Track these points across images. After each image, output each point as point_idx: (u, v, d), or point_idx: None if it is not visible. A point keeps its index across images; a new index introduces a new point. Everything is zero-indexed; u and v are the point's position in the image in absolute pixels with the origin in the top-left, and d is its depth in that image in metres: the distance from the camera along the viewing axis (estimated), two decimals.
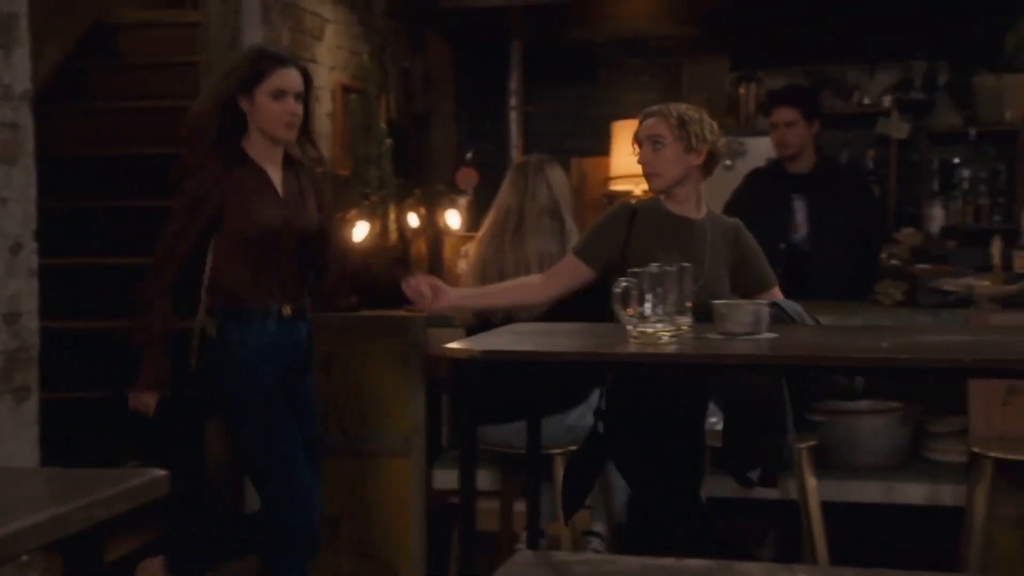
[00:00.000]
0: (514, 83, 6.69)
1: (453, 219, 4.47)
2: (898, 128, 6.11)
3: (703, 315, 2.86)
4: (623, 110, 6.75)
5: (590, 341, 2.00)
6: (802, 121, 4.43)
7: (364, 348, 4.19)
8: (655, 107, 3.07)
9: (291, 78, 2.98)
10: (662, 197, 3.09)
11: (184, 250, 2.96)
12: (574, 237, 3.65)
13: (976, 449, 3.44)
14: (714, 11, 6.20)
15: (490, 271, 3.62)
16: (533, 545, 2.73)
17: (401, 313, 4.31)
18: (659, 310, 1.97)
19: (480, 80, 6.91)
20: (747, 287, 3.11)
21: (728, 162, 5.88)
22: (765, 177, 4.69)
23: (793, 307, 2.91)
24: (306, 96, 3.04)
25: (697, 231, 3.06)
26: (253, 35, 3.97)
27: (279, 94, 2.97)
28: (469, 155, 5.70)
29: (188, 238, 2.95)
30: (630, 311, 1.98)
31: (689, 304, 2.14)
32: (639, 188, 6.55)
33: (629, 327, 1.99)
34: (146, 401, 3.03)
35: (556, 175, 3.77)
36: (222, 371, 3.02)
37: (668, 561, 2.22)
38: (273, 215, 3.00)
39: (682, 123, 3.00)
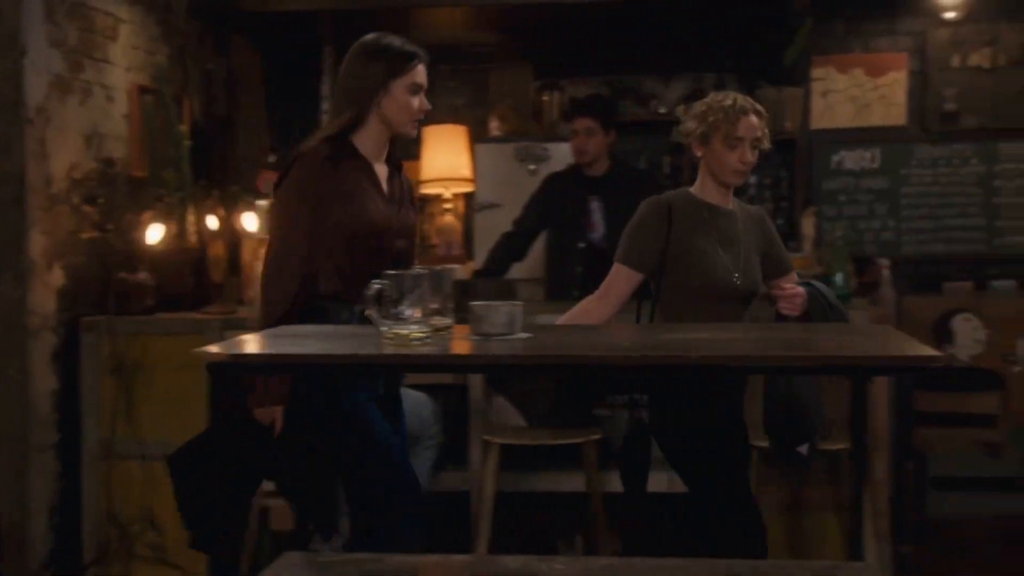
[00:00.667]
0: (325, 88, 6.60)
1: (250, 222, 4.36)
2: None
3: (748, 301, 3.01)
4: (433, 115, 6.75)
5: (349, 344, 1.97)
6: (600, 130, 4.58)
7: (160, 350, 4.07)
8: (749, 104, 3.06)
9: (425, 73, 2.92)
10: (695, 189, 3.09)
11: (302, 245, 2.74)
12: None
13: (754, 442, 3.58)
14: (519, 21, 6.27)
15: None
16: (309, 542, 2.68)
17: (197, 316, 4.20)
18: (415, 312, 1.95)
19: (291, 85, 6.79)
20: (769, 272, 3.12)
21: (532, 166, 5.97)
22: (563, 180, 4.79)
23: (824, 288, 3.02)
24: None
25: (731, 219, 3.08)
26: (35, 33, 3.78)
27: (416, 89, 2.86)
28: (271, 159, 5.58)
29: (303, 232, 2.74)
30: (385, 313, 1.96)
31: (451, 305, 2.14)
32: (448, 191, 6.58)
33: (383, 328, 1.97)
34: (273, 415, 2.75)
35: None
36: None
37: (435, 558, 2.22)
38: (379, 213, 2.83)
39: (766, 124, 3.09)
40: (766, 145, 3.06)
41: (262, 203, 4.62)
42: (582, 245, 4.67)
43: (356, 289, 2.68)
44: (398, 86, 2.82)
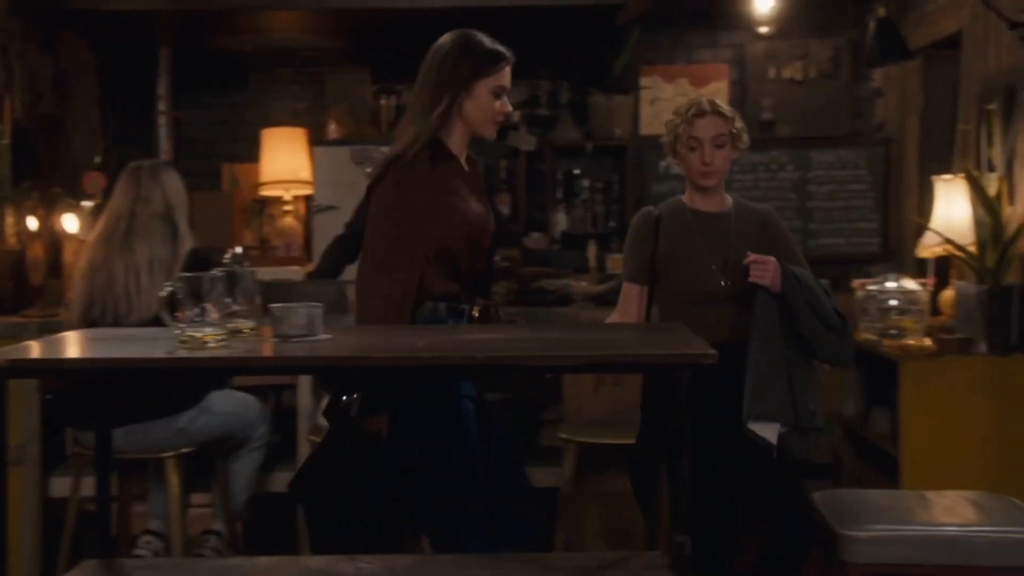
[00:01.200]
0: (162, 88, 6.44)
1: (71, 223, 4.22)
2: (526, 141, 6.39)
3: (734, 301, 2.94)
4: (272, 117, 6.68)
5: (140, 347, 1.93)
6: None
7: None
8: (706, 106, 3.01)
9: (509, 76, 2.77)
10: (685, 197, 3.09)
11: (408, 247, 2.59)
12: (187, 243, 3.55)
13: (564, 435, 3.65)
14: (357, 26, 6.23)
15: (99, 276, 3.46)
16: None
17: (15, 319, 4.04)
18: (212, 314, 1.93)
19: (127, 85, 6.59)
20: None
21: (369, 169, 5.93)
22: None
23: (802, 273, 2.94)
24: None
25: (721, 222, 3.05)
26: None
27: (500, 91, 2.73)
28: (98, 159, 5.41)
29: (408, 235, 2.60)
30: (179, 315, 1.93)
31: (257, 306, 2.12)
32: (288, 193, 6.50)
33: (177, 331, 1.94)
34: (379, 424, 2.60)
35: (171, 181, 3.67)
36: None
37: (237, 560, 2.19)
38: (477, 212, 2.73)
39: (736, 124, 3.03)
40: (741, 143, 3.03)
41: (87, 204, 4.48)
42: None
43: (464, 289, 2.69)
44: (482, 87, 2.70)
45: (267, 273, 6.15)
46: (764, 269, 2.84)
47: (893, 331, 4.01)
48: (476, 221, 2.69)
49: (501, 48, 2.76)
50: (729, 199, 3.12)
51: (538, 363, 1.77)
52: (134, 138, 6.64)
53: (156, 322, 3.37)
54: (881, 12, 4.18)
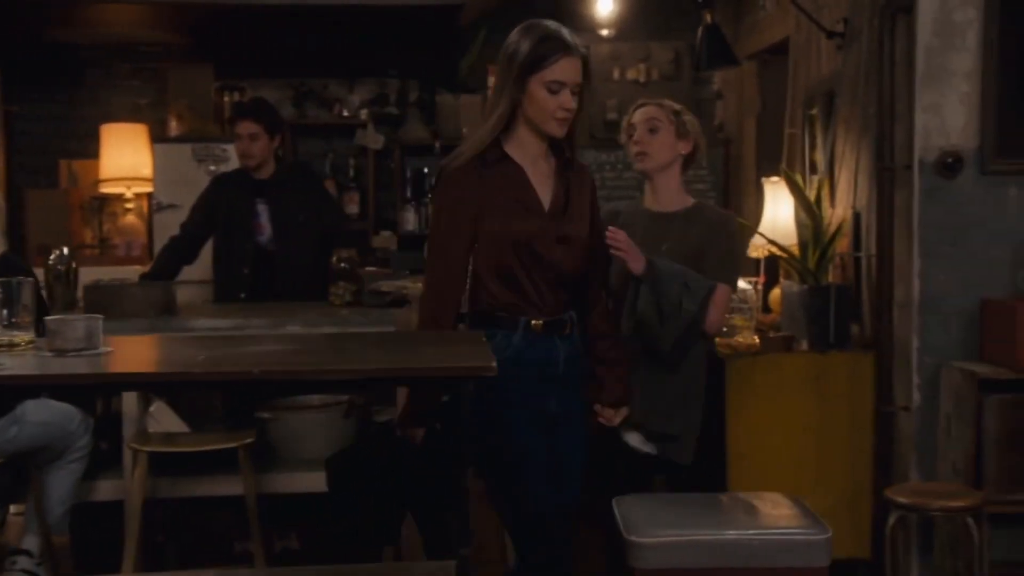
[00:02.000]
0: None
1: None
2: (374, 139, 6.28)
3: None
4: (112, 113, 6.40)
5: None
6: (264, 134, 4.45)
7: None
8: (647, 100, 3.22)
9: (573, 69, 2.49)
10: (643, 194, 3.20)
11: (454, 257, 2.54)
12: None
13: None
14: (199, 21, 6.02)
15: None
16: None
17: None
18: None
19: None
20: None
21: (212, 167, 5.74)
22: (230, 183, 4.62)
23: (667, 267, 2.85)
24: (581, 89, 2.53)
25: (666, 224, 3.03)
26: None
27: (557, 86, 2.47)
28: None
29: (454, 244, 2.54)
30: None
31: (30, 318, 1.97)
32: (130, 191, 6.24)
33: None
34: (415, 432, 2.53)
35: None
36: None
37: None
38: (530, 220, 2.54)
39: (676, 112, 3.11)
40: (687, 136, 3.20)
41: None
42: (250, 247, 4.54)
43: (524, 299, 2.55)
44: (534, 82, 2.47)
45: (106, 273, 5.91)
46: (615, 244, 2.74)
47: (724, 330, 4.06)
48: (524, 230, 2.52)
49: (561, 38, 2.52)
50: (690, 200, 3.15)
51: (312, 377, 1.69)
52: None
53: None
54: (708, 18, 4.21)
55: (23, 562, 3.39)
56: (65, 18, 5.91)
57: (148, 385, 1.82)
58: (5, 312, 1.94)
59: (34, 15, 5.82)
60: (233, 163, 5.65)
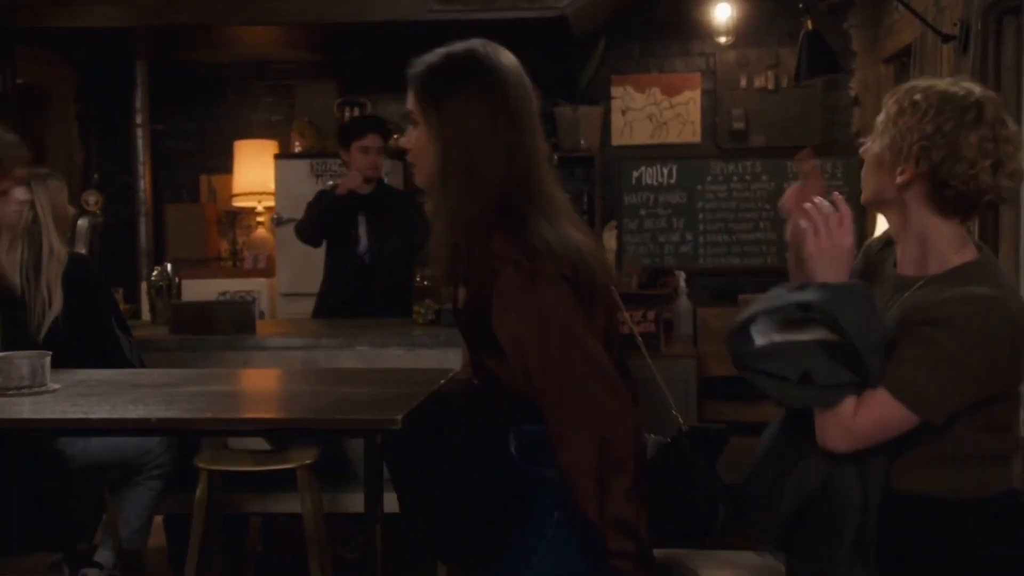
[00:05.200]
0: (139, 102, 6.31)
1: None
2: None
3: None
4: (248, 129, 6.53)
5: None
6: (383, 149, 4.48)
7: None
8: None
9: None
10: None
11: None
12: (56, 249, 3.36)
13: None
14: (327, 40, 6.06)
15: None
16: None
17: None
18: None
19: (105, 99, 6.49)
20: None
21: (330, 182, 5.75)
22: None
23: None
24: None
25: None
26: None
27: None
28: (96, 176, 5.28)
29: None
30: None
31: None
32: (260, 204, 6.35)
33: None
34: None
35: (53, 192, 3.45)
36: None
37: None
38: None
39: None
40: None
41: (83, 221, 4.43)
42: (349, 260, 4.57)
43: None
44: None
45: (235, 285, 6.04)
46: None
47: None
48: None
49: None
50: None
51: (204, 427, 1.56)
52: (113, 152, 6.54)
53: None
54: (808, 25, 3.87)
55: (92, 574, 3.42)
56: (207, 41, 6.05)
57: (53, 431, 1.72)
58: None
59: (178, 39, 6.00)
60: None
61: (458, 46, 1.88)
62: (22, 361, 1.80)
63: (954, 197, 1.75)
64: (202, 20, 5.49)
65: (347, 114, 5.99)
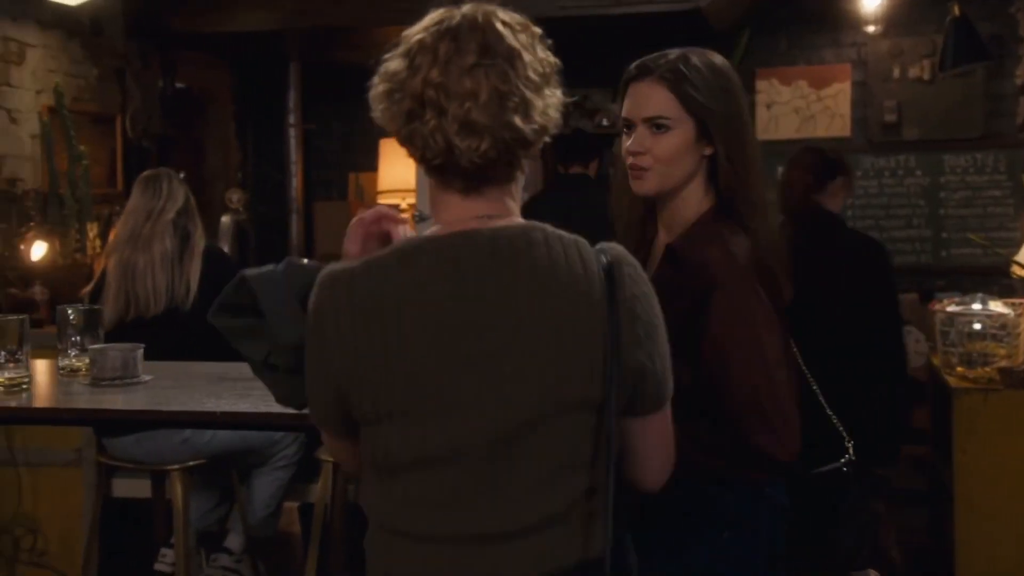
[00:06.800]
0: (292, 102, 6.50)
1: None
2: None
3: None
4: None
5: None
6: None
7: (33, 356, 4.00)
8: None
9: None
10: None
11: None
12: (200, 242, 3.48)
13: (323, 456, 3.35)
14: None
15: (127, 274, 3.44)
16: None
17: None
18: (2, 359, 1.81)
19: (260, 100, 6.72)
20: None
21: None
22: None
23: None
24: None
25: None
26: None
27: None
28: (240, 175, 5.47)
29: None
30: None
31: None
32: (404, 201, 6.43)
33: None
34: None
35: (179, 187, 3.58)
36: None
37: None
38: None
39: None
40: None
41: (226, 218, 4.61)
42: None
43: None
44: None
45: None
46: None
47: (975, 358, 3.49)
48: None
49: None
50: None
51: (264, 422, 1.55)
52: (268, 152, 6.76)
53: (169, 315, 3.37)
54: (955, 11, 3.59)
55: (223, 559, 3.51)
56: (357, 41, 6.18)
57: (133, 422, 1.74)
58: (77, 338, 1.95)
59: (329, 40, 6.14)
60: None
61: (685, 50, 1.76)
62: (115, 353, 1.85)
63: None
64: (344, 22, 5.59)
65: None
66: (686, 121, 1.68)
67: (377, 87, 1.42)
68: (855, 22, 5.79)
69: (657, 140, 1.69)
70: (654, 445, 1.37)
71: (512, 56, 1.29)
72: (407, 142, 1.37)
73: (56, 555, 3.91)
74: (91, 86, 4.84)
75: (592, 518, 1.29)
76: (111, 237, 3.59)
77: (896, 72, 5.79)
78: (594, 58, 6.08)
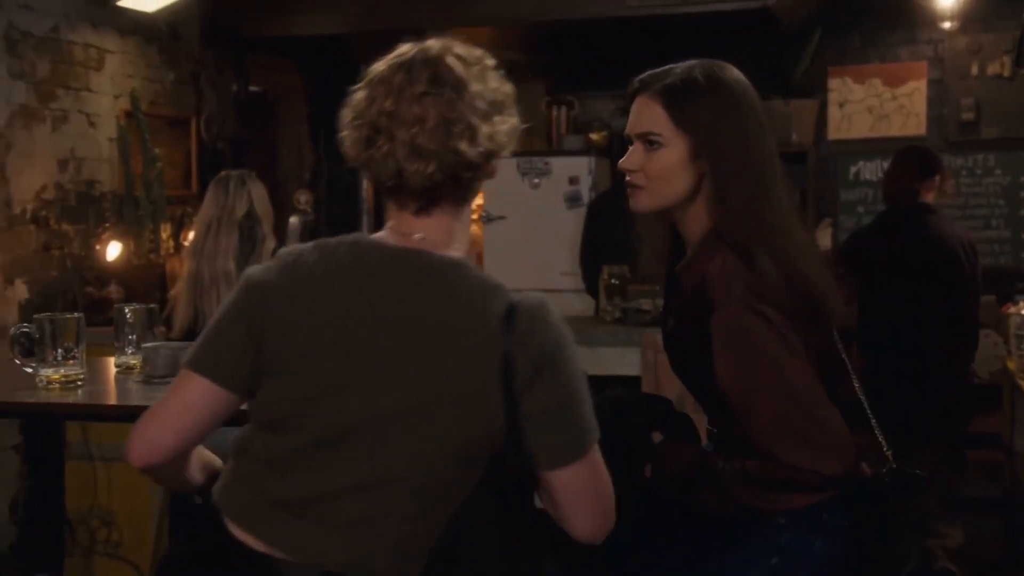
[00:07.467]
0: None
1: None
2: None
3: None
4: None
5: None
6: None
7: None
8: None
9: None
10: None
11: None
12: (270, 245, 3.53)
13: None
14: (538, 38, 6.07)
15: (201, 279, 3.51)
16: None
17: (159, 329, 4.21)
18: (59, 357, 1.85)
19: (332, 102, 6.78)
20: None
21: (536, 180, 5.77)
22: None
23: None
24: None
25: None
26: None
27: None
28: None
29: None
30: (30, 358, 1.86)
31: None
32: (473, 202, 6.46)
33: (43, 372, 1.87)
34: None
35: (256, 189, 3.64)
36: None
37: None
38: None
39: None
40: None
41: (294, 219, 4.69)
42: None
43: None
44: None
45: None
46: None
47: None
48: None
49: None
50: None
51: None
52: (339, 152, 6.81)
53: None
54: None
55: None
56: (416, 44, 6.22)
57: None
58: (133, 336, 1.99)
59: (396, 42, 6.19)
60: (556, 176, 5.67)
61: (691, 64, 1.71)
62: (167, 352, 1.89)
63: None
64: (410, 25, 5.62)
65: (555, 113, 5.98)
66: (678, 138, 1.63)
67: (344, 116, 1.50)
68: (931, 18, 5.64)
69: (650, 157, 1.66)
70: (577, 498, 1.34)
71: (460, 86, 1.37)
72: (364, 167, 1.46)
73: (130, 547, 4.01)
74: (167, 91, 4.96)
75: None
76: (188, 241, 3.68)
77: (974, 69, 5.63)
78: (660, 59, 6.01)
